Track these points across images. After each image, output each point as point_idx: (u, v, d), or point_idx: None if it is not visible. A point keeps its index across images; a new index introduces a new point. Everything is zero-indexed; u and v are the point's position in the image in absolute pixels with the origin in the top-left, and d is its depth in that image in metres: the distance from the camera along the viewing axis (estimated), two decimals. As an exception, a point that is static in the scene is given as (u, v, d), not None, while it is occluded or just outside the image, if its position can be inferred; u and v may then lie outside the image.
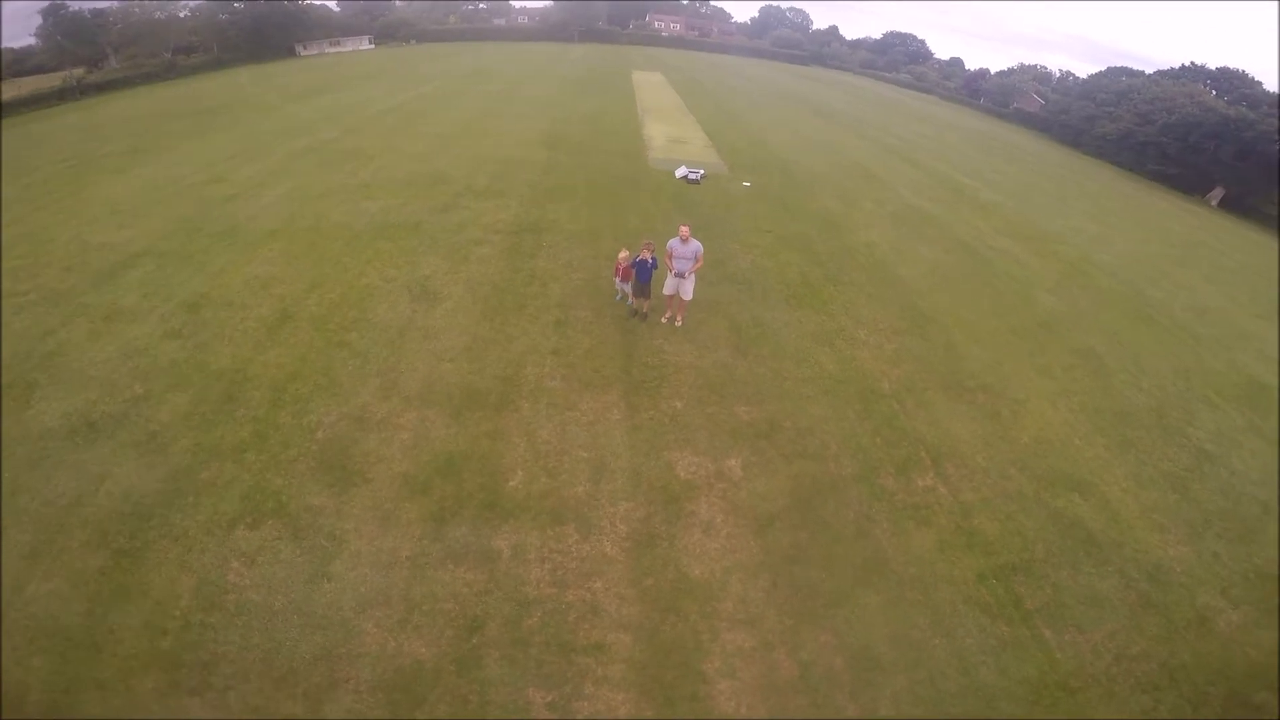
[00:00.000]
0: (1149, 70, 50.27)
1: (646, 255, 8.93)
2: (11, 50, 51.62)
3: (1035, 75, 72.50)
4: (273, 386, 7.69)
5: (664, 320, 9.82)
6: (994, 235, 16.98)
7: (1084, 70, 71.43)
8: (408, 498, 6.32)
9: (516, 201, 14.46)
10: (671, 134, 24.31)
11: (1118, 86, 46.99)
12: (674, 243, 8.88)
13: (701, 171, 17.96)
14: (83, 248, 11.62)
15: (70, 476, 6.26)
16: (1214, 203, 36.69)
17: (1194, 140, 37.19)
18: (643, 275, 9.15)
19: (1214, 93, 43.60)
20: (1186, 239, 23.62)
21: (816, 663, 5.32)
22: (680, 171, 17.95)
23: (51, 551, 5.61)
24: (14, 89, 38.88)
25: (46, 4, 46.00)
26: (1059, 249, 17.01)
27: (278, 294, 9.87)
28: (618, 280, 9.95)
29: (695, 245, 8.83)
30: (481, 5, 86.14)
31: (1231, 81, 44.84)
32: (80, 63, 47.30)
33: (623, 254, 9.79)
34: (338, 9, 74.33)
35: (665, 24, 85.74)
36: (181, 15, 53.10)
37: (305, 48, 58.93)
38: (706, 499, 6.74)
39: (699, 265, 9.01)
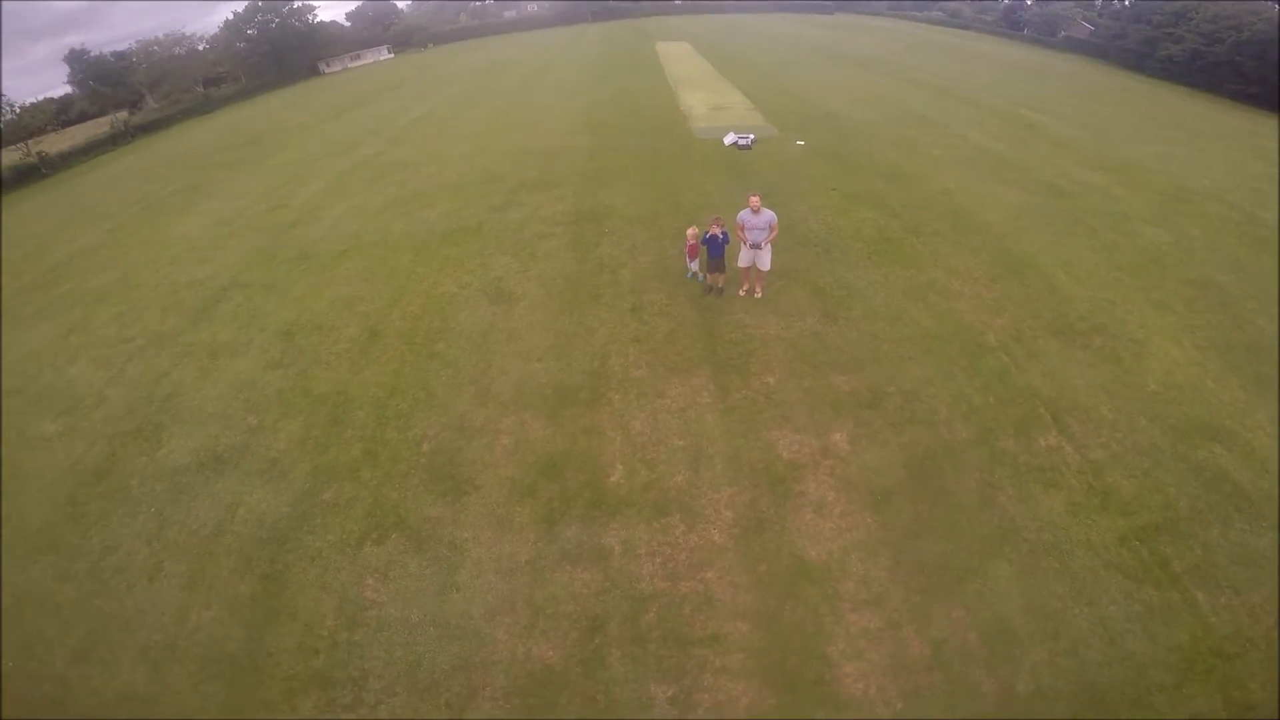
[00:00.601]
0: None
1: (716, 230, 8.55)
2: (53, 100, 54.58)
3: (1077, 1, 66.81)
4: (374, 404, 7.87)
5: (741, 293, 9.45)
6: (1078, 169, 15.63)
7: None
8: (517, 501, 6.41)
9: (570, 191, 14.27)
10: (711, 101, 23.55)
11: (1172, 8, 43.48)
12: (745, 214, 8.48)
13: (752, 136, 17.27)
14: (173, 287, 12.31)
15: (208, 507, 6.66)
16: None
17: (1272, 57, 33.80)
18: (714, 250, 8.78)
19: (1274, 6, 39.48)
20: None
21: (949, 639, 5.07)
22: (729, 139, 17.31)
23: (205, 580, 5.98)
24: (69, 138, 41.36)
25: (66, 52, 48.29)
26: (1152, 178, 15.48)
27: (362, 312, 10.10)
28: (688, 259, 9.63)
29: (768, 215, 8.40)
30: (489, 1, 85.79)
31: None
32: (119, 105, 49.64)
33: (691, 230, 9.48)
34: (349, 24, 75.53)
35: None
36: (201, 48, 54.89)
37: (328, 65, 60.31)
38: (814, 477, 6.46)
39: (774, 234, 8.57)
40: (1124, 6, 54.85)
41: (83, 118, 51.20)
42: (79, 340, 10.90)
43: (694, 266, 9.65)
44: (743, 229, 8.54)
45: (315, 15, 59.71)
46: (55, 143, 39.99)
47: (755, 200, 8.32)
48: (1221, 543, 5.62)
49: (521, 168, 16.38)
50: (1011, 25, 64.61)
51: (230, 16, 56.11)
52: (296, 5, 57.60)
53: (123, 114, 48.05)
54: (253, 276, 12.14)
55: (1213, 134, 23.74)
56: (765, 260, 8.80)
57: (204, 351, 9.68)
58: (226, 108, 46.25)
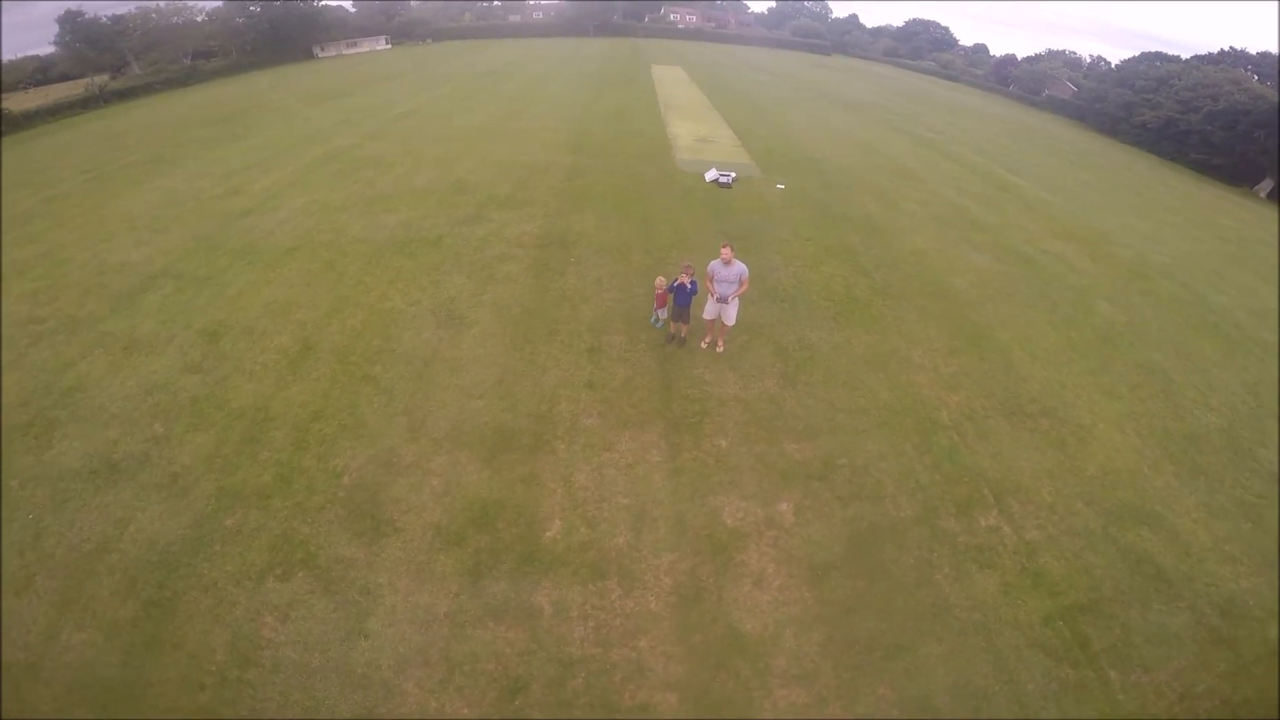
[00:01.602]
0: (1183, 55, 48.12)
1: (685, 279, 8.27)
2: (37, 58, 52.37)
3: (1066, 61, 69.93)
4: (296, 426, 7.31)
5: (703, 345, 9.16)
6: (1045, 237, 15.95)
7: (1112, 55, 68.79)
8: (442, 549, 6.03)
9: (541, 211, 13.86)
10: (697, 132, 23.50)
11: (1155, 73, 45.13)
12: (715, 265, 8.20)
13: (733, 174, 17.17)
14: (100, 269, 11.43)
15: (95, 520, 6.15)
16: (1263, 194, 34.70)
17: (1242, 129, 35.28)
18: (681, 300, 8.49)
19: (1256, 78, 41.44)
20: (1240, 235, 22.06)
21: (872, 717, 5.07)
22: (710, 174, 17.17)
23: (82, 599, 5.51)
24: (39, 97, 39.45)
25: (62, 12, 46.45)
26: (1113, 250, 15.93)
27: (298, 320, 9.47)
28: (655, 307, 9.36)
29: (739, 268, 8.14)
30: (496, 2, 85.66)
31: (1274, 67, 42.56)
32: (102, 69, 47.80)
33: (660, 280, 9.18)
34: (353, 10, 74.42)
35: (681, 16, 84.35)
36: (199, 19, 53.41)
37: (323, 49, 59.10)
38: (757, 547, 6.31)
39: (744, 289, 8.32)
40: (1106, 69, 56.95)
41: (63, 78, 48.97)
42: (-19, 315, 9.84)
43: (662, 314, 9.35)
44: (712, 280, 8.26)
45: (319, -3, 58.60)
46: (23, 101, 38.06)
47: (727, 252, 8.04)
48: (1140, 623, 5.83)
49: (496, 180, 15.92)
50: (1000, 80, 67.00)
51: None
52: (301, -17, 56.43)
53: (101, 77, 46.14)
54: (188, 266, 11.35)
55: (1173, 206, 24.79)
56: (731, 315, 8.53)
57: (118, 344, 8.92)
58: (211, 81, 44.71)
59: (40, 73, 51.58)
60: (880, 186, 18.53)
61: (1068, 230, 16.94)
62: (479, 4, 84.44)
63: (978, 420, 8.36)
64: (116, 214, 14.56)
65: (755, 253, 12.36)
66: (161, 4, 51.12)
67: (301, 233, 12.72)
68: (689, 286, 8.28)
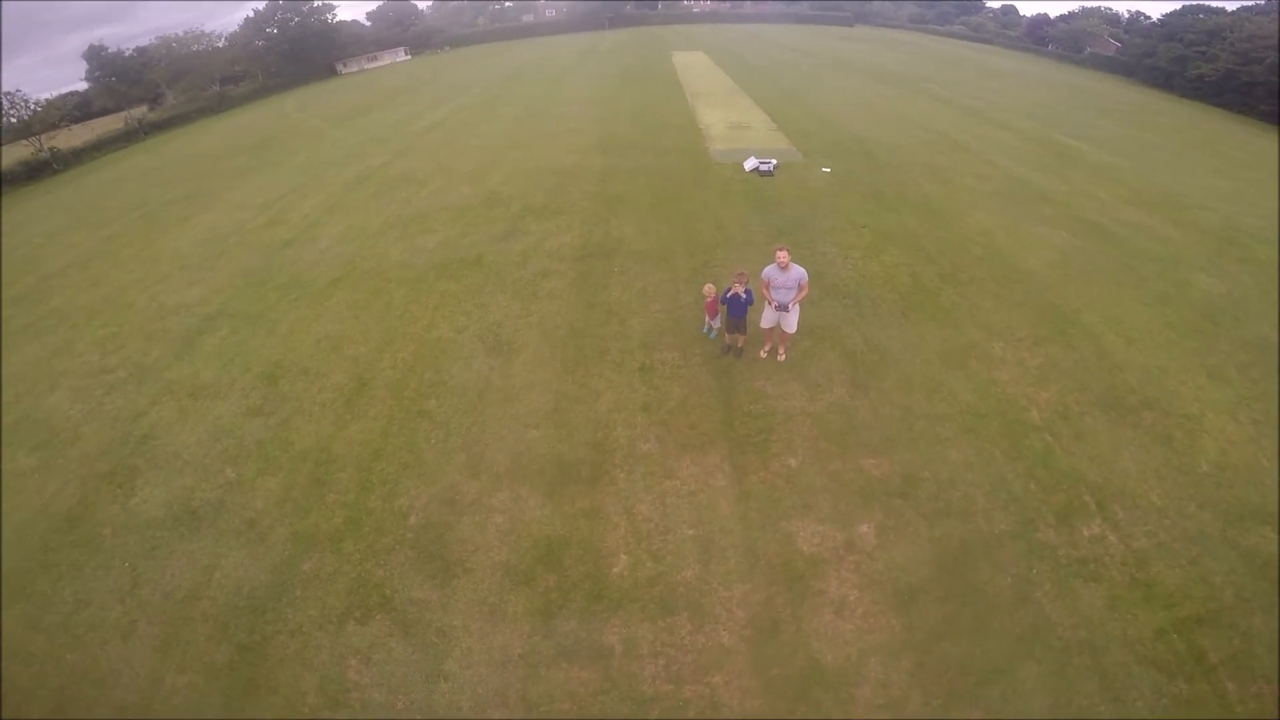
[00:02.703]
0: (1228, 7, 44.96)
1: (739, 289, 7.69)
2: (76, 94, 54.62)
3: (1104, 17, 65.46)
4: (359, 466, 7.28)
5: (763, 355, 8.60)
6: (1120, 206, 14.67)
7: (1149, 9, 64.02)
8: (511, 589, 5.94)
9: (578, 219, 13.46)
10: (730, 119, 22.69)
11: (1205, 25, 42.39)
12: (771, 271, 7.62)
13: (774, 161, 16.39)
14: (160, 311, 11.80)
15: (183, 567, 6.33)
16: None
17: None
18: (736, 311, 7.92)
19: None
20: None
21: None
22: (750, 163, 16.44)
23: (180, 644, 5.69)
24: (86, 133, 41.26)
25: (86, 47, 48.34)
26: (1199, 216, 14.51)
27: (350, 356, 9.42)
28: (707, 316, 8.86)
29: (797, 272, 7.54)
30: (508, 4, 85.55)
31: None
32: (134, 101, 49.64)
33: (708, 288, 8.66)
34: (369, 25, 75.58)
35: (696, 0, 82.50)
36: (220, 44, 54.92)
37: (345, 65, 60.20)
38: (836, 574, 5.93)
39: (804, 294, 7.71)
40: (1153, 24, 53.69)
41: (101, 113, 51.25)
42: (61, 365, 10.43)
43: (713, 324, 8.85)
44: (768, 286, 7.69)
45: (335, 14, 59.68)
46: (69, 139, 39.93)
47: (783, 256, 7.44)
48: (1263, 631, 5.39)
49: (529, 189, 15.60)
50: (1036, 41, 63.45)
51: (251, 14, 56.21)
52: (317, 4, 57.56)
53: (139, 110, 48.09)
54: (239, 305, 11.57)
55: (1253, 163, 22.54)
56: (791, 323, 7.95)
57: (184, 390, 9.16)
58: (242, 106, 46.12)
59: (81, 109, 53.99)
60: (932, 163, 17.44)
61: (1142, 196, 15.58)
62: (491, 6, 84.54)
63: (1072, 418, 7.64)
64: (168, 252, 15.09)
65: (808, 246, 11.68)
66: (180, 33, 52.78)
67: (343, 262, 12.72)
68: (744, 296, 7.72)
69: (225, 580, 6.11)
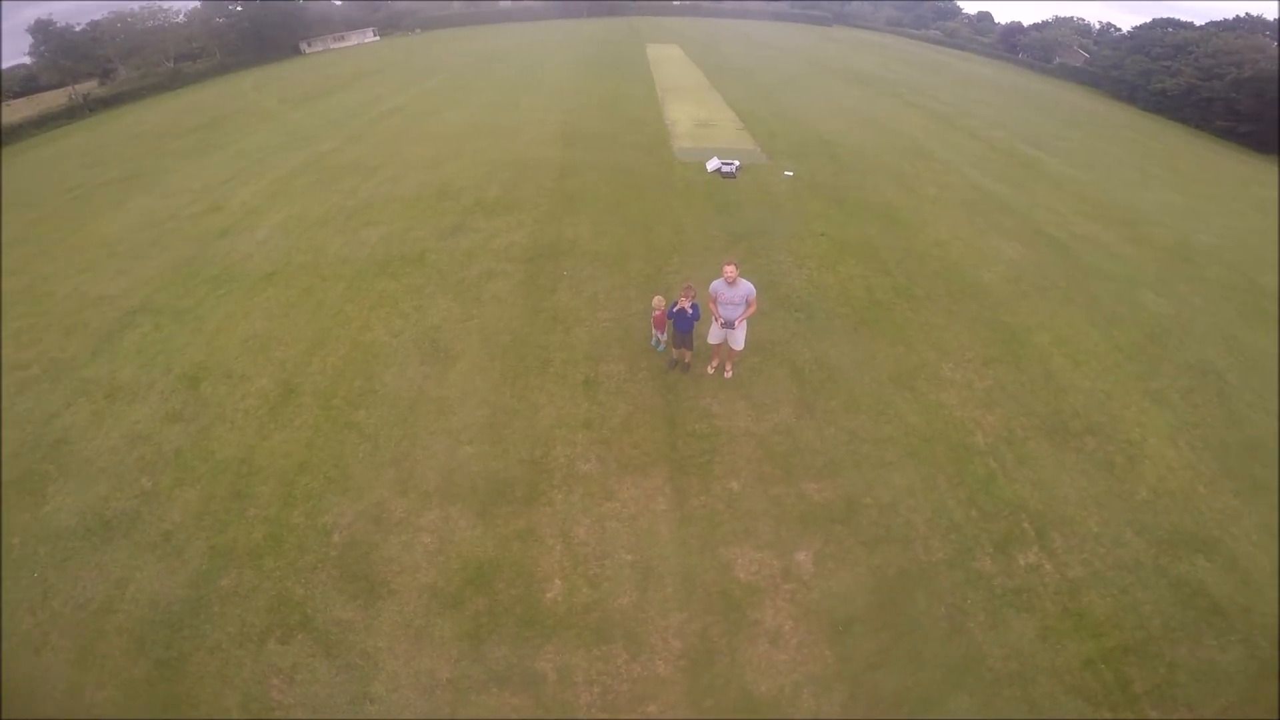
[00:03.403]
0: (1196, 21, 46.68)
1: (685, 303, 7.34)
2: (25, 67, 51.47)
3: (1074, 28, 67.05)
4: (281, 480, 6.91)
5: (710, 371, 8.27)
6: (1077, 219, 14.78)
7: (1120, 21, 65.94)
8: (439, 613, 5.72)
9: (531, 217, 12.91)
10: (697, 116, 22.30)
11: (1173, 39, 43.86)
12: (718, 285, 7.25)
13: (736, 163, 16.05)
14: (81, 303, 11.00)
15: (96, 579, 6.07)
16: (1293, 162, 33.07)
17: (1271, 96, 33.69)
18: (682, 325, 7.58)
19: (1274, 44, 39.76)
20: None
21: None
22: (712, 164, 16.07)
23: (96, 659, 5.48)
24: (23, 109, 38.71)
25: (33, 22, 45.41)
26: (1153, 232, 14.73)
27: (278, 359, 8.83)
28: (654, 329, 8.51)
29: (745, 288, 7.20)
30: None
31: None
32: (81, 78, 46.94)
33: (657, 299, 8.30)
34: (340, 3, 72.81)
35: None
36: (179, 19, 52.22)
37: (309, 45, 57.76)
38: (773, 603, 5.83)
39: (751, 310, 7.38)
40: (1123, 36, 55.13)
41: (49, 88, 48.17)
42: (-24, 358, 9.48)
43: (661, 337, 8.51)
44: (714, 301, 7.34)
45: (300, -8, 57.16)
46: (9, 114, 37.37)
47: (730, 270, 7.07)
48: (1188, 660, 5.51)
49: (484, 182, 14.97)
50: (1008, 48, 64.59)
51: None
52: (280, -20, 54.97)
53: (84, 86, 45.33)
54: (166, 299, 10.79)
55: (1208, 179, 23.26)
56: (739, 340, 7.62)
57: (100, 391, 8.52)
58: (197, 84, 43.78)
59: (27, 83, 50.79)
60: (897, 169, 17.36)
61: (1101, 210, 15.75)
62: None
63: (1017, 443, 7.59)
64: (97, 238, 14.13)
65: (764, 254, 11.40)
66: (135, 7, 49.93)
67: (279, 254, 11.98)
68: (690, 311, 7.37)
69: (140, 594, 5.86)
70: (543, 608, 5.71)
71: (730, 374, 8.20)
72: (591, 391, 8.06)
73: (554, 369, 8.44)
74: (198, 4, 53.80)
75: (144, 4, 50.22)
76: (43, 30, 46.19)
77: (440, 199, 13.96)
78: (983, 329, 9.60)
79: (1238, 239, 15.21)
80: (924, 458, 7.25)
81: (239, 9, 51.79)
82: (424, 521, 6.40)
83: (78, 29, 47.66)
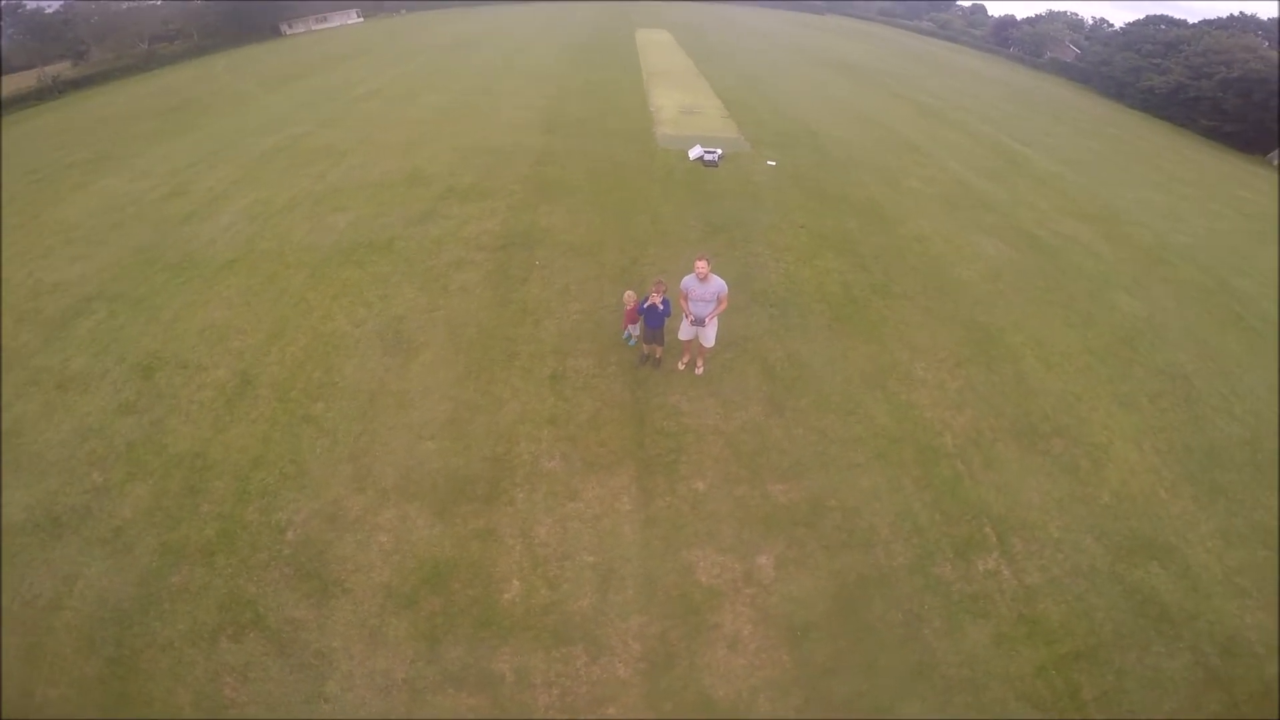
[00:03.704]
0: (1189, 19, 46.68)
1: (656, 299, 7.14)
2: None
3: (1067, 22, 66.95)
4: (235, 475, 6.71)
5: (681, 366, 8.10)
6: (1058, 217, 14.74)
7: (1114, 17, 65.92)
8: (394, 612, 5.63)
9: (505, 204, 12.58)
10: (682, 102, 21.94)
11: (1164, 37, 43.83)
12: (689, 281, 7.06)
13: (719, 151, 15.79)
14: (35, 289, 10.52)
15: (44, 576, 5.92)
16: (1276, 163, 33.30)
17: (1258, 97, 33.83)
18: (653, 321, 7.40)
19: (1266, 44, 39.99)
20: (1261, 209, 20.78)
21: None
22: (694, 152, 15.79)
23: (47, 656, 5.39)
24: (-5, 89, 37.25)
25: (2, 4, 43.51)
26: (1132, 231, 14.76)
27: (236, 349, 8.51)
28: (625, 323, 8.31)
29: (716, 284, 7.01)
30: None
31: (1281, 32, 41.10)
32: (54, 59, 45.23)
33: (629, 294, 8.09)
34: (323, -20, 70.69)
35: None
36: (156, 1, 50.44)
37: (290, 26, 56.11)
38: (732, 607, 5.80)
39: (723, 308, 7.21)
40: (1114, 32, 55.14)
41: (22, 68, 46.33)
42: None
43: (632, 330, 8.32)
44: (685, 298, 7.14)
45: (281, -31, 55.32)
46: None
47: (702, 265, 6.87)
48: (1136, 667, 5.56)
49: (458, 168, 14.57)
50: (1000, 41, 64.40)
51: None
52: (260, -43, 53.18)
53: (53, 68, 43.61)
54: (123, 286, 10.35)
55: (1191, 179, 23.35)
56: (710, 336, 7.45)
57: (52, 381, 8.14)
58: (172, 66, 42.33)
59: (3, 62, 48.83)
60: (881, 162, 17.19)
61: (1082, 208, 15.74)
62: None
63: (984, 445, 7.54)
64: (55, 223, 13.52)
65: (742, 245, 11.20)
66: None
67: (242, 241, 11.55)
68: (661, 307, 7.17)
69: (88, 591, 5.74)
70: (500, 608, 5.61)
71: (701, 370, 8.03)
72: (558, 386, 7.86)
73: (520, 362, 8.22)
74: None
75: None
76: (12, 13, 44.28)
77: (412, 184, 13.57)
78: (958, 328, 9.51)
79: (1213, 239, 15.34)
80: (891, 459, 7.18)
81: (215, -11, 50.09)
82: (381, 520, 6.25)
83: (49, 10, 45.74)
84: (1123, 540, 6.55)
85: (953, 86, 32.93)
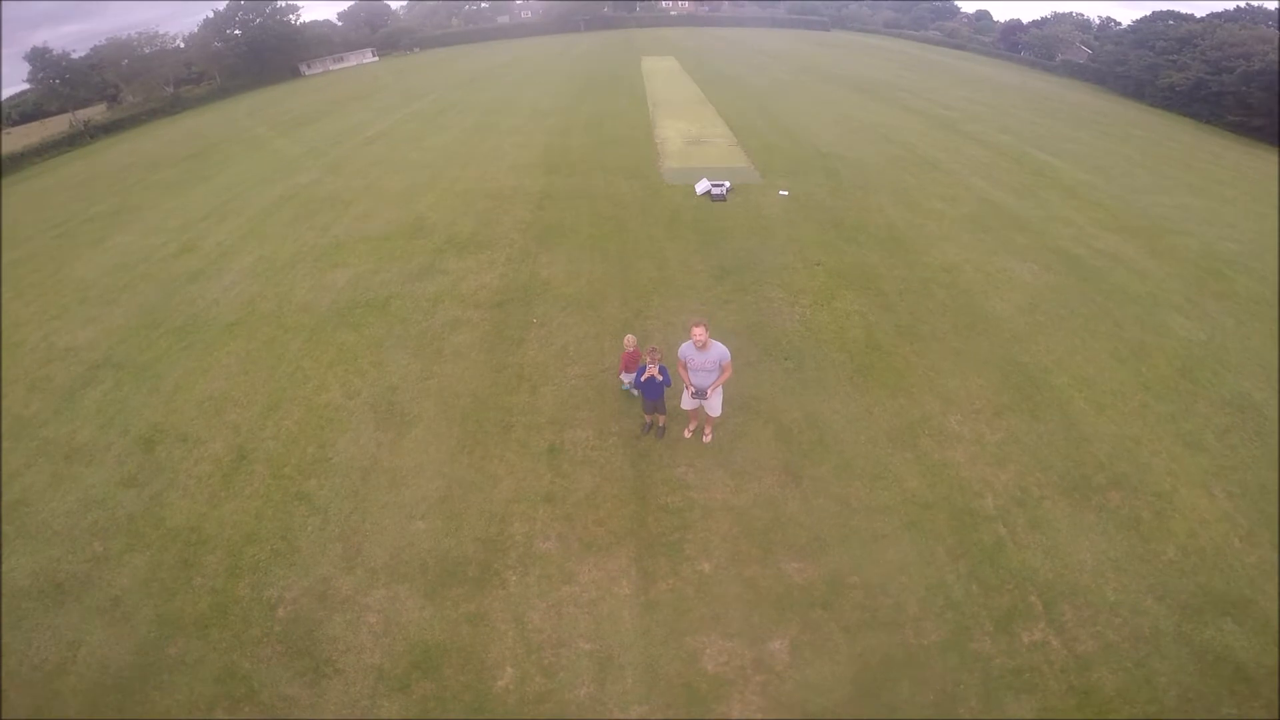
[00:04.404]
0: (1196, 14, 45.42)
1: (653, 369, 6.56)
2: (23, 96, 52.01)
3: (1075, 24, 65.74)
4: (229, 550, 6.67)
5: (687, 434, 7.46)
6: (1095, 231, 13.79)
7: (1120, 15, 64.62)
8: (385, 695, 5.43)
9: (504, 255, 12.22)
10: (689, 132, 21.59)
11: (1176, 33, 42.67)
12: (687, 349, 6.44)
13: (727, 184, 15.26)
14: (49, 354, 10.77)
15: (49, 641, 6.00)
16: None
17: None
18: (651, 393, 6.82)
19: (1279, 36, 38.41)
20: None
21: None
22: (701, 186, 15.30)
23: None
24: (26, 136, 39.01)
25: (29, 50, 45.78)
26: (1177, 242, 13.69)
27: (232, 422, 8.39)
28: (622, 371, 7.80)
29: (717, 351, 6.38)
30: (484, 4, 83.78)
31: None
32: (83, 104, 47.31)
33: (629, 340, 7.59)
34: (340, 24, 73.51)
35: (674, 2, 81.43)
36: (179, 45, 52.74)
37: (309, 67, 58.21)
38: (741, 697, 5.30)
39: (727, 375, 6.58)
40: (1124, 30, 53.90)
41: (58, 112, 48.72)
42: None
43: (627, 380, 7.79)
44: (684, 367, 6.55)
45: (298, 15, 57.66)
46: (10, 143, 37.70)
47: (699, 332, 6.25)
48: None
49: (458, 215, 14.36)
50: (1009, 46, 63.45)
51: (210, 14, 54.02)
52: (279, 4, 55.49)
53: (86, 112, 45.70)
54: (129, 351, 10.44)
55: (1228, 179, 21.96)
56: (715, 406, 6.84)
57: (60, 452, 8.26)
58: (196, 109, 44.30)
59: (36, 107, 51.44)
60: (900, 182, 16.46)
61: (1120, 220, 14.73)
62: (466, 6, 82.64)
63: (1030, 504, 6.75)
64: (73, 280, 13.91)
65: (753, 290, 10.58)
66: (134, 34, 50.41)
67: (244, 302, 11.49)
68: (660, 377, 6.57)
69: (90, 658, 5.78)
70: (493, 696, 5.31)
71: (709, 438, 7.38)
72: (555, 461, 7.32)
73: (516, 435, 7.70)
74: (195, 29, 54.38)
75: (141, 30, 50.67)
76: (39, 58, 46.53)
77: (411, 237, 13.35)
78: (994, 372, 8.69)
79: (1264, 244, 14.13)
80: (923, 528, 6.45)
81: (236, 33, 52.23)
82: (370, 600, 6.04)
83: (75, 56, 48.04)
84: (1190, 598, 5.87)
85: (967, 96, 32.06)
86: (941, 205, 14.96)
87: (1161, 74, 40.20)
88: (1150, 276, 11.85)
